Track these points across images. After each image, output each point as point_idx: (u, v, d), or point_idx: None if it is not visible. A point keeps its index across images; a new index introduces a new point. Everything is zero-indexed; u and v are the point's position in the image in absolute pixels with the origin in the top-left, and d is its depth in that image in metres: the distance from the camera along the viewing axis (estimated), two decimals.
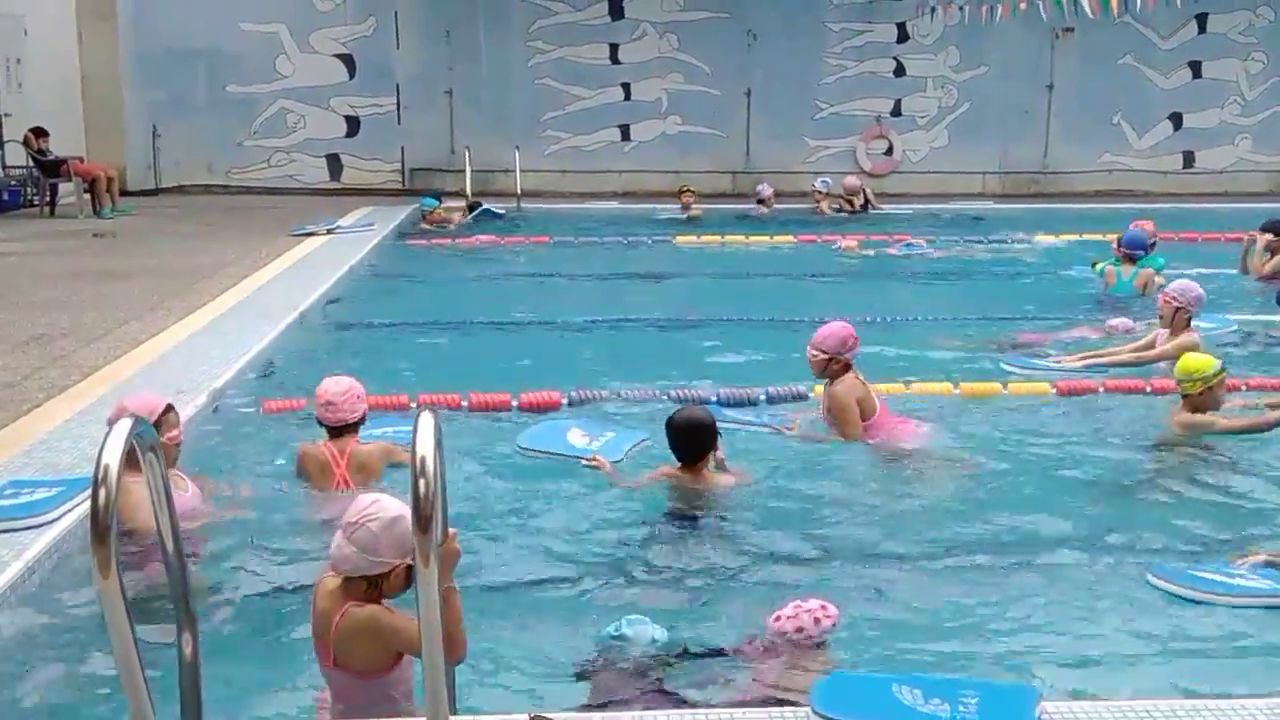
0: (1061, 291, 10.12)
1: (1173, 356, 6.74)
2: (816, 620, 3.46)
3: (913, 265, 11.85)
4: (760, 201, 15.32)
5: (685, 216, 14.97)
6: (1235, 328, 8.21)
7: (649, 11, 18.19)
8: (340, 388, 4.92)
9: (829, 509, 4.93)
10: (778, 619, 3.49)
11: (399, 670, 2.97)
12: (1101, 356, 7.19)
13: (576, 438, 5.52)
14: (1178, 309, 6.94)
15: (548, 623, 3.87)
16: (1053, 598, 4.11)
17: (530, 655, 3.65)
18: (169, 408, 4.45)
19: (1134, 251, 9.55)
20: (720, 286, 10.84)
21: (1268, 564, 4.24)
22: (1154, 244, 9.82)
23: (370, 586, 2.96)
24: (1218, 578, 4.15)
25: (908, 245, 12.59)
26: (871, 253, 12.42)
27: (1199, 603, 3.98)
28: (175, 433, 4.45)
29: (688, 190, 15.33)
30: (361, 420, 4.99)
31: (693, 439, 4.86)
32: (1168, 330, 7.03)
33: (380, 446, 5.05)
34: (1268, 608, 3.95)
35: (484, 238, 13.11)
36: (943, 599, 4.08)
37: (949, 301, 9.88)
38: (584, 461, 5.22)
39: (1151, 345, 7.13)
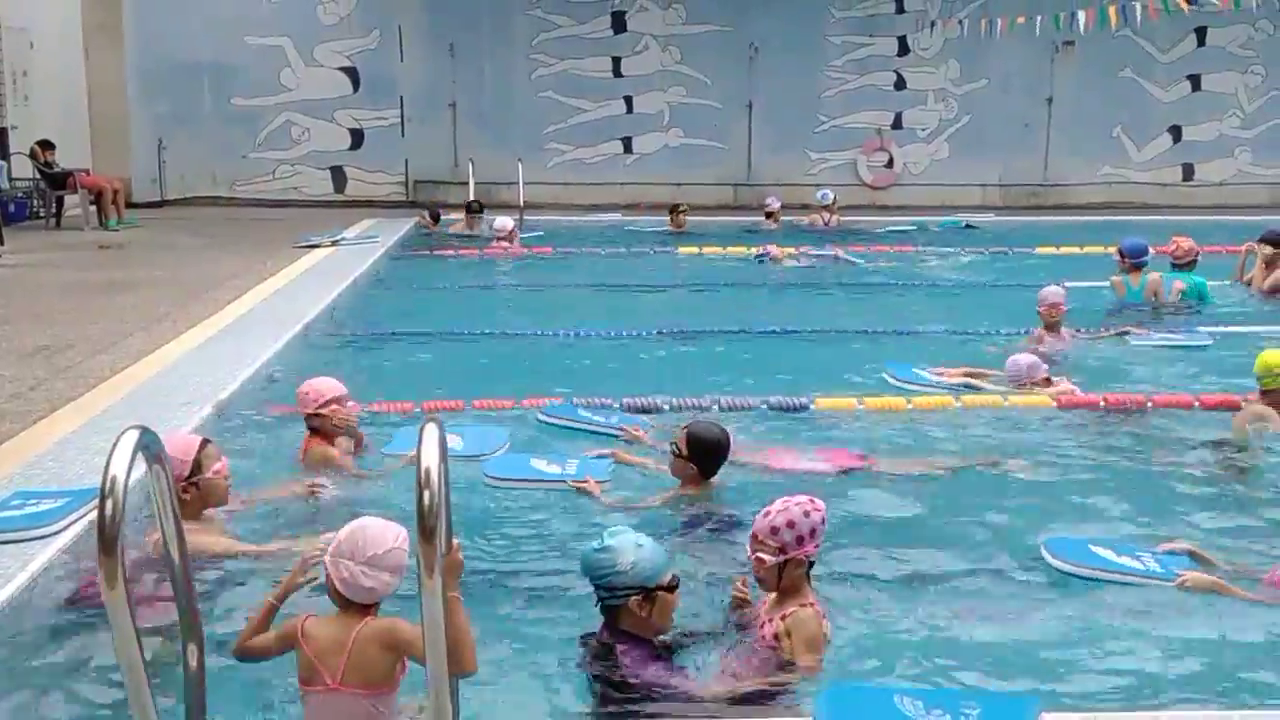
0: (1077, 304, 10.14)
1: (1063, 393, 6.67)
2: (806, 513, 3.55)
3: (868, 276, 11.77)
4: (769, 215, 15.31)
5: (673, 230, 14.92)
6: (1210, 342, 8.21)
7: (651, 25, 18.28)
8: (300, 388, 5.31)
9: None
10: (766, 514, 3.57)
11: (395, 693, 3.00)
12: (984, 376, 7.02)
13: (543, 466, 5.36)
14: (1020, 386, 6.66)
15: (555, 637, 3.88)
16: (1054, 608, 4.12)
17: (537, 670, 3.66)
18: (205, 442, 4.40)
19: (1137, 260, 9.58)
20: (718, 297, 10.88)
21: (1187, 553, 4.41)
22: (1196, 259, 9.76)
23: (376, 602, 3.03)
24: (1108, 554, 4.35)
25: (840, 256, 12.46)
26: (797, 263, 12.27)
27: (1084, 579, 4.23)
28: (220, 465, 4.33)
29: (685, 210, 15.24)
30: (315, 421, 5.20)
31: (714, 454, 4.91)
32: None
33: (325, 452, 5.21)
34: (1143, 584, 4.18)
35: (489, 250, 13.15)
36: (945, 610, 4.10)
37: (940, 312, 9.85)
38: (572, 484, 5.13)
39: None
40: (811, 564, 3.60)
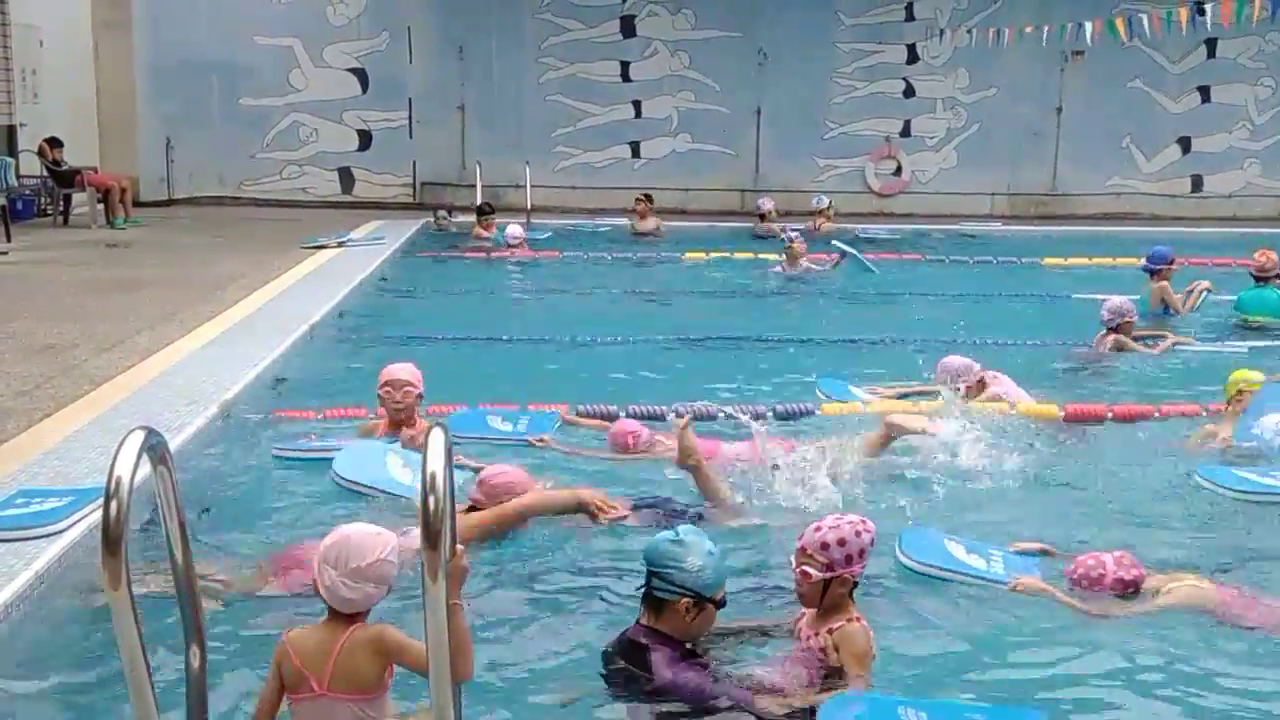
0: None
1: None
2: (857, 533, 3.51)
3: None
4: (761, 217, 15.21)
5: (636, 229, 14.85)
6: (1245, 350, 8.20)
7: (660, 30, 18.30)
8: None
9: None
10: (817, 529, 3.53)
11: (386, 696, 2.97)
12: (916, 390, 6.90)
13: (498, 423, 5.91)
14: (969, 387, 6.47)
15: (558, 639, 3.87)
16: (1058, 621, 4.10)
17: (540, 671, 3.64)
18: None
19: (1145, 267, 9.71)
20: (720, 305, 10.87)
21: (1040, 552, 4.54)
22: (1278, 275, 9.68)
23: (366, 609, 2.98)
24: (958, 552, 4.45)
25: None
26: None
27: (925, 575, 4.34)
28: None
29: (641, 199, 15.18)
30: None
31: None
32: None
33: (366, 427, 5.83)
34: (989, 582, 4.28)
35: (497, 253, 13.17)
36: (951, 621, 4.08)
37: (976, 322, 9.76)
38: (533, 441, 5.61)
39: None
40: (855, 584, 3.54)
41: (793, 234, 12.47)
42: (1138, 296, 9.80)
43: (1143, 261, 9.87)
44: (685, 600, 3.37)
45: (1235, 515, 5.09)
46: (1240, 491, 5.22)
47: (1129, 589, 4.15)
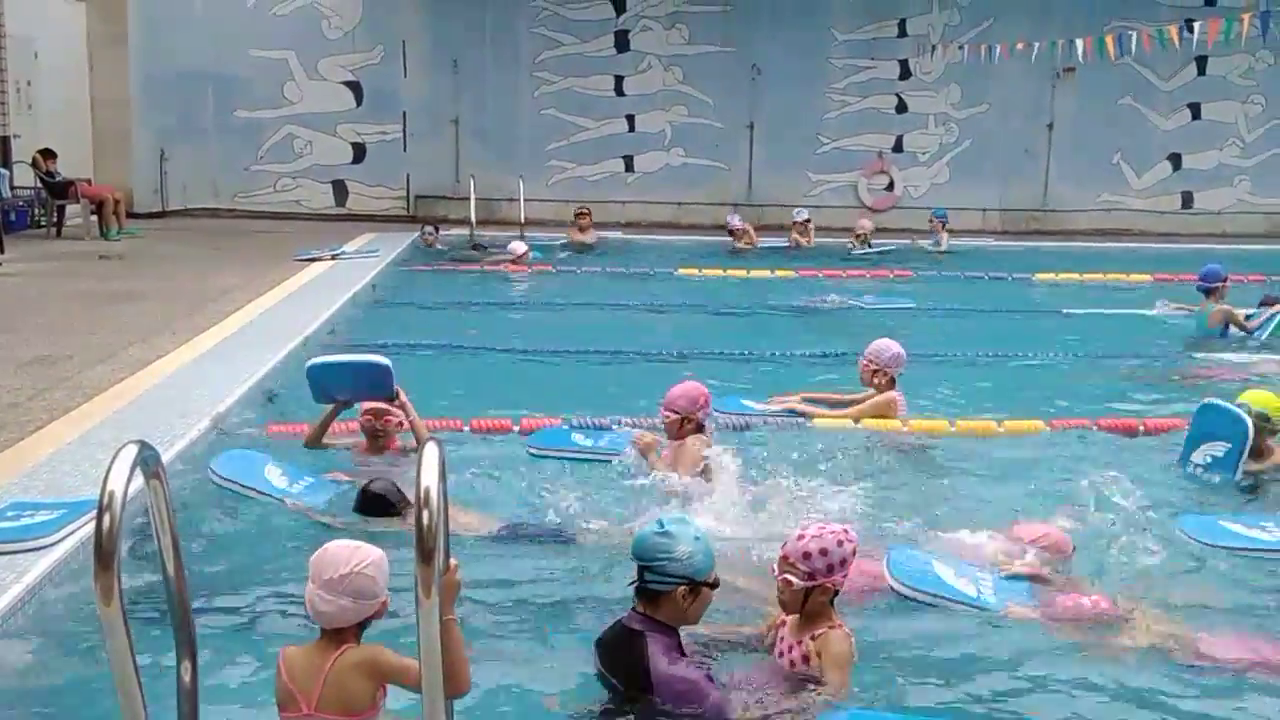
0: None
1: (867, 414, 6.52)
2: (839, 543, 3.56)
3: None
4: (731, 233, 15.18)
5: (573, 240, 14.86)
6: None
7: (654, 45, 18.38)
8: None
9: None
10: (800, 537, 3.58)
11: (378, 717, 2.96)
12: (808, 403, 6.86)
13: (275, 476, 5.26)
14: (875, 370, 6.51)
15: (549, 650, 3.88)
16: (1053, 640, 4.12)
17: (533, 685, 3.64)
18: None
19: (1199, 286, 9.72)
20: (717, 320, 10.89)
21: (1030, 578, 4.40)
22: None
23: (360, 627, 2.97)
24: (948, 575, 4.35)
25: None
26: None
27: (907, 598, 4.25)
28: None
29: (584, 213, 15.17)
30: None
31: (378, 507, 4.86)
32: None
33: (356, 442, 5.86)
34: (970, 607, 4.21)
35: (489, 266, 13.19)
36: (950, 639, 4.09)
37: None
38: (289, 503, 5.05)
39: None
40: (836, 592, 3.60)
41: (834, 298, 11.49)
42: (1193, 311, 9.80)
43: (1200, 281, 9.79)
44: (681, 588, 3.40)
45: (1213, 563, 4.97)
46: (1223, 547, 4.92)
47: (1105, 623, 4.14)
